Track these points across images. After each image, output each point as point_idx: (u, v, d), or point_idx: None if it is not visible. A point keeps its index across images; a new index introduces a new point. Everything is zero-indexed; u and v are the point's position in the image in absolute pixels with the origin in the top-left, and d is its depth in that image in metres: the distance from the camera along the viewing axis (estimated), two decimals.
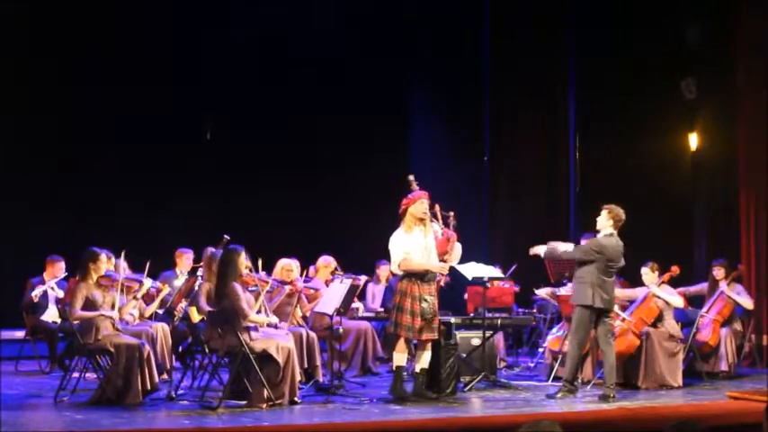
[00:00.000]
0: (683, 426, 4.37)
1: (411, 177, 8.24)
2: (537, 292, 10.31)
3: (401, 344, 8.17)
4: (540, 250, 8.57)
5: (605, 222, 8.42)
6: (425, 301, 8.03)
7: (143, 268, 8.85)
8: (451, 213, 8.60)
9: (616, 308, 8.92)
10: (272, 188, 13.00)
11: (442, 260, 8.29)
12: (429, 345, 8.20)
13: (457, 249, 8.41)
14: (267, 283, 8.32)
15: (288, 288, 9.04)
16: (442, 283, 8.64)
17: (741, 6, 11.34)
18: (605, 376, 8.30)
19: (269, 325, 8.04)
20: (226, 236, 8.53)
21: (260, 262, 8.53)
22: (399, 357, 8.18)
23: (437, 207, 8.43)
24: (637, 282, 9.48)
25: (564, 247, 8.52)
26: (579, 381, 9.14)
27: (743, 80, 11.28)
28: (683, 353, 9.24)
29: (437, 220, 8.48)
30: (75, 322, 7.93)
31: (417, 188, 8.20)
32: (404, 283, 8.10)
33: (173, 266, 10.21)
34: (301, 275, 9.82)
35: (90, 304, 7.86)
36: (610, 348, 8.33)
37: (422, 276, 8.09)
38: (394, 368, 8.25)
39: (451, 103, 13.99)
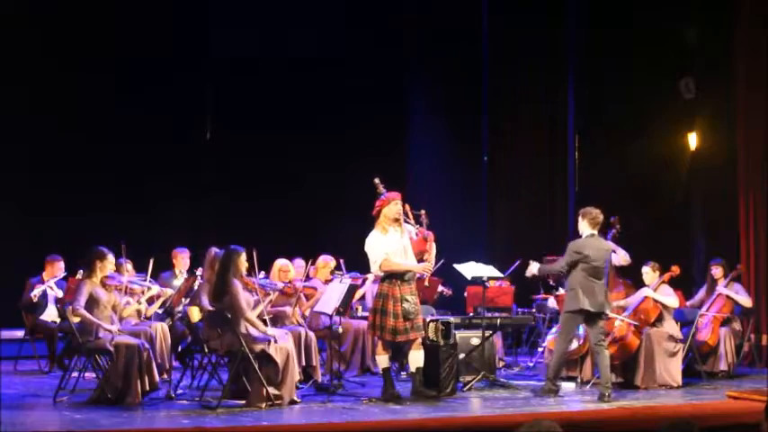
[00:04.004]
0: (678, 426, 4.36)
1: (377, 180, 8.24)
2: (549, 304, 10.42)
3: (380, 346, 8.20)
4: (534, 269, 8.74)
5: (582, 226, 8.55)
6: (407, 300, 8.04)
7: (143, 267, 8.86)
8: (423, 212, 8.62)
9: (611, 307, 8.98)
10: (272, 188, 13.00)
11: (422, 260, 8.29)
12: (419, 343, 8.21)
13: (433, 248, 8.42)
14: (268, 294, 8.36)
15: (282, 286, 9.07)
16: (424, 281, 8.63)
17: (740, 6, 11.34)
18: (601, 376, 8.33)
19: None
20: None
21: (255, 254, 8.51)
22: (382, 359, 8.20)
23: (408, 207, 8.43)
24: (640, 282, 9.48)
25: (553, 267, 8.73)
26: (579, 380, 9.18)
27: (742, 80, 11.28)
28: (683, 353, 9.24)
29: (410, 219, 8.49)
30: (75, 320, 7.94)
31: (385, 191, 8.21)
32: (384, 285, 8.11)
33: (171, 267, 10.21)
34: (305, 275, 9.87)
35: (93, 302, 7.89)
36: (603, 349, 8.37)
37: (402, 277, 8.10)
38: (381, 371, 8.26)
39: (450, 103, 13.99)
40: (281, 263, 9.47)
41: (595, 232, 8.49)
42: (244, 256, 7.89)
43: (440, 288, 10.77)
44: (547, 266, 8.78)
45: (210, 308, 7.94)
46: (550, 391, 8.36)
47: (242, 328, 7.69)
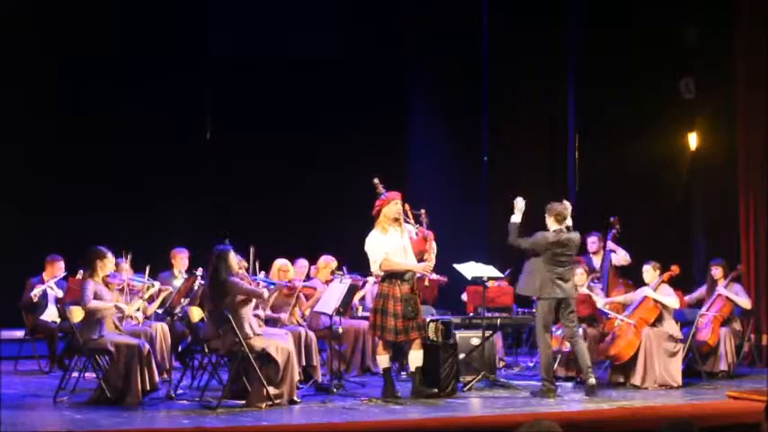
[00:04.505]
0: (678, 426, 4.36)
1: (376, 180, 8.26)
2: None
3: (381, 346, 8.21)
4: (519, 205, 8.59)
5: (549, 221, 8.55)
6: (407, 300, 8.06)
7: (143, 268, 8.86)
8: (423, 211, 8.62)
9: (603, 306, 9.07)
10: (272, 188, 13.00)
11: (422, 260, 8.29)
12: (419, 343, 8.21)
13: (433, 248, 8.43)
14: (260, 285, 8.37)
15: (277, 283, 9.08)
16: (425, 281, 8.63)
17: (740, 6, 11.34)
18: (581, 365, 8.41)
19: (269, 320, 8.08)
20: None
21: (257, 264, 8.53)
22: (383, 359, 8.21)
23: (407, 206, 8.44)
24: (640, 282, 9.48)
25: (517, 238, 8.56)
26: (579, 380, 9.17)
27: (742, 80, 11.28)
28: (683, 353, 9.24)
29: (410, 219, 8.50)
30: (76, 320, 7.95)
31: (384, 191, 8.21)
32: (384, 285, 8.13)
33: (170, 267, 10.20)
34: (307, 275, 9.86)
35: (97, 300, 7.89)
36: (577, 341, 8.45)
37: (402, 276, 8.10)
38: (381, 371, 8.26)
39: (450, 103, 13.99)
40: (280, 263, 9.48)
41: (563, 227, 8.51)
42: (233, 253, 7.89)
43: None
44: (516, 235, 8.55)
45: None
46: (549, 391, 8.36)
47: (246, 328, 7.68)
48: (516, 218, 8.59)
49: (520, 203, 8.61)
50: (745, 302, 10.04)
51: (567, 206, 8.58)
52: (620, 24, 12.43)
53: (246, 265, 8.19)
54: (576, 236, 8.65)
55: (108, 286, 8.08)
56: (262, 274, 9.18)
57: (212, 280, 7.80)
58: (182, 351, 9.53)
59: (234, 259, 7.86)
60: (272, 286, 8.86)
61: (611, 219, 9.75)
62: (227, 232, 8.49)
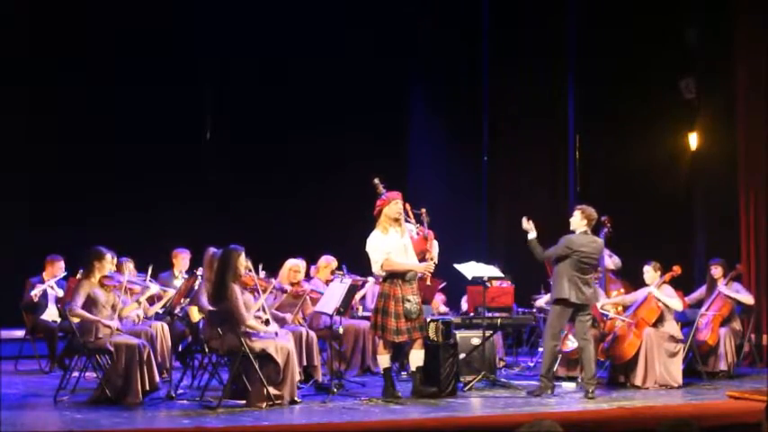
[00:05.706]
0: (678, 426, 4.36)
1: (376, 181, 8.26)
2: (536, 303, 10.43)
3: (382, 346, 8.21)
4: (531, 233, 8.60)
5: (579, 222, 8.57)
6: (408, 300, 8.06)
7: (143, 268, 8.86)
8: (423, 210, 8.63)
9: (596, 301, 9.04)
10: (272, 188, 13.01)
11: (423, 259, 8.30)
12: (420, 343, 8.22)
13: (435, 247, 8.44)
14: (268, 285, 8.34)
15: (289, 289, 9.05)
16: (426, 281, 8.64)
17: (740, 6, 11.35)
18: (585, 370, 8.39)
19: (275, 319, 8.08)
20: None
21: (260, 266, 8.52)
22: (384, 359, 8.21)
23: (408, 206, 8.45)
24: (639, 282, 9.48)
25: (542, 251, 8.59)
26: (579, 380, 9.17)
27: (742, 80, 11.29)
28: (683, 353, 9.24)
29: (410, 219, 8.50)
30: (76, 320, 7.94)
31: (384, 191, 8.22)
32: (386, 285, 8.13)
33: (170, 267, 10.20)
34: (305, 275, 9.85)
35: (91, 303, 7.88)
36: (587, 344, 8.43)
37: (403, 276, 8.11)
38: (381, 371, 8.27)
39: (451, 103, 14.00)
40: (291, 263, 9.39)
41: (589, 230, 8.55)
42: (243, 256, 7.87)
43: (441, 306, 10.81)
44: (539, 247, 8.59)
45: (210, 308, 7.93)
46: (546, 388, 8.37)
47: (243, 328, 7.68)
48: (532, 235, 8.59)
49: (528, 224, 8.63)
50: (747, 299, 10.04)
51: (595, 213, 8.63)
52: (621, 24, 12.43)
53: (250, 265, 8.18)
54: (601, 241, 8.77)
55: (104, 288, 8.04)
56: (262, 274, 9.17)
57: (216, 278, 7.78)
58: (182, 351, 9.53)
59: (242, 262, 7.83)
60: (279, 288, 8.85)
61: (603, 218, 9.76)
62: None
